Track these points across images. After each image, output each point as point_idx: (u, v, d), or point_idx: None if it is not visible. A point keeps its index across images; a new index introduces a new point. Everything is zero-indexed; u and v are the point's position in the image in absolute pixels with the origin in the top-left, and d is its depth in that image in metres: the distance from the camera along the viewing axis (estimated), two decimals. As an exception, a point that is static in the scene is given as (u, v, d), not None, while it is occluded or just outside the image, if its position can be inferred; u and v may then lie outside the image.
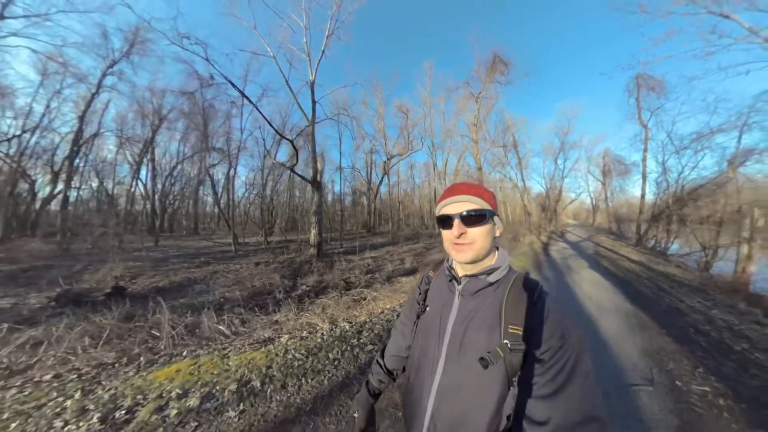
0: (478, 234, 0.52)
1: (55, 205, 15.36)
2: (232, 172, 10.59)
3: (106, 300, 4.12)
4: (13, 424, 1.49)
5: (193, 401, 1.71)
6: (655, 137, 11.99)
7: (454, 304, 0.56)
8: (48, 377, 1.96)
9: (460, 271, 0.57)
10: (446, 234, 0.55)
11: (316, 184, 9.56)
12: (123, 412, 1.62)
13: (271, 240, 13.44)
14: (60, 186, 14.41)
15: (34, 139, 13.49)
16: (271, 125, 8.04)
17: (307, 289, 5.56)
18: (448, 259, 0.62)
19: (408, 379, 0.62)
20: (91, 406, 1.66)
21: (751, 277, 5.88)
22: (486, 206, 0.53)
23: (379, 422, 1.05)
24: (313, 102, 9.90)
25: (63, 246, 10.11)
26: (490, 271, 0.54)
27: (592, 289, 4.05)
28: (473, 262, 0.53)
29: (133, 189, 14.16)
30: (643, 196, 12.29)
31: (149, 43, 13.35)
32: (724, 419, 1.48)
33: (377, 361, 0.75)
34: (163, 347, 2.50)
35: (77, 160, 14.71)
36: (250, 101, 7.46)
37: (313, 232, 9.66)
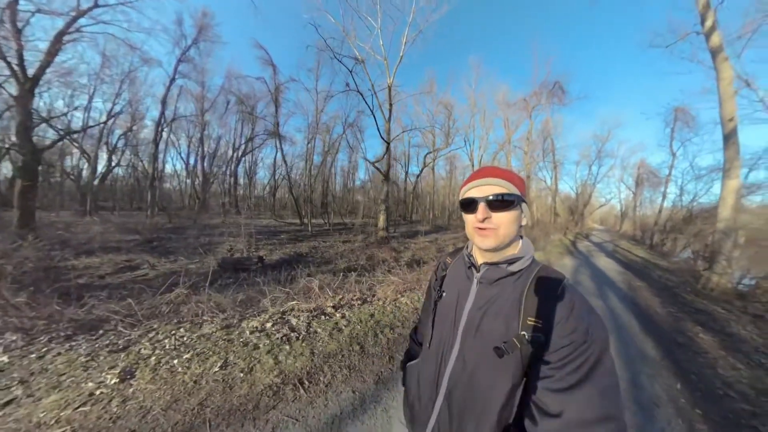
0: (503, 220, 0.56)
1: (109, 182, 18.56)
2: (303, 162, 13.78)
3: (257, 267, 6.12)
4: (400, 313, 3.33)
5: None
6: (678, 165, 15.81)
7: (471, 291, 0.62)
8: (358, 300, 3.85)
9: (480, 259, 0.63)
10: (469, 218, 0.59)
11: (388, 177, 13.01)
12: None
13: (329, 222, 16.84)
14: (94, 163, 17.44)
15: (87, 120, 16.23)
16: (378, 129, 11.32)
17: (409, 260, 8.79)
18: (467, 246, 0.69)
19: (421, 364, 0.71)
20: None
21: (731, 276, 9.69)
22: (515, 191, 0.57)
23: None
24: (390, 105, 13.08)
25: (152, 220, 13.55)
26: (512, 261, 0.58)
27: (605, 264, 7.90)
28: (496, 249, 0.58)
29: (192, 170, 17.37)
30: (660, 211, 16.14)
31: (213, 29, 16.15)
32: (643, 290, 5.22)
33: (411, 336, 0.92)
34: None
35: (115, 141, 17.73)
36: (372, 112, 10.73)
37: (382, 217, 13.22)
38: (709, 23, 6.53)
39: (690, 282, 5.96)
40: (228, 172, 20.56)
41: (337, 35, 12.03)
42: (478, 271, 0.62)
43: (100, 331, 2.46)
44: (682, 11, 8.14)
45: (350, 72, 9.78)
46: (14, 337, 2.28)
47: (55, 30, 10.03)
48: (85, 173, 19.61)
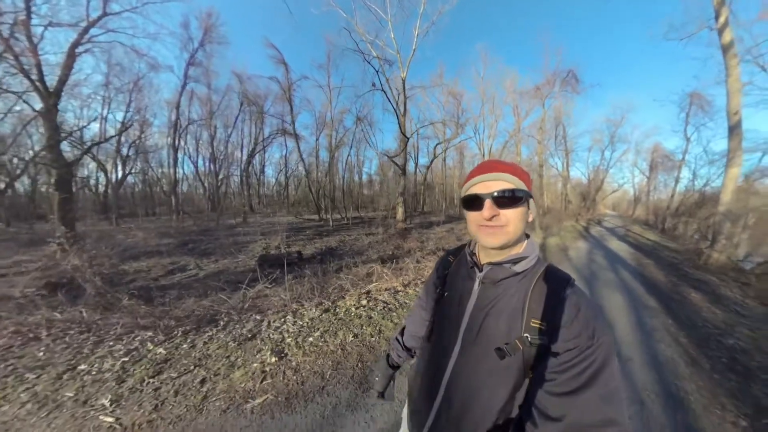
0: (511, 216, 0.55)
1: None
2: (309, 158, 14.59)
3: (297, 262, 6.73)
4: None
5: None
6: (692, 150, 16.57)
7: (474, 291, 0.63)
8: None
9: (483, 258, 0.64)
10: (474, 216, 0.58)
11: (405, 171, 13.90)
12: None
13: (344, 216, 17.82)
14: (116, 173, 18.28)
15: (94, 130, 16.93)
16: (399, 125, 12.16)
17: (434, 248, 9.86)
18: (470, 244, 0.70)
19: (422, 362, 0.74)
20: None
21: (734, 253, 10.66)
22: (522, 186, 0.56)
23: (397, 391, 1.47)
24: (405, 98, 13.81)
25: (179, 223, 14.61)
26: (516, 260, 0.59)
27: (617, 246, 8.92)
28: (504, 247, 0.58)
29: (207, 173, 18.25)
30: (672, 195, 17.02)
31: (218, 30, 16.67)
32: (650, 266, 6.23)
33: (396, 338, 0.94)
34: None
35: (126, 150, 18.49)
36: (394, 109, 11.55)
37: (400, 209, 14.18)
38: (722, 20, 7.19)
39: (693, 259, 6.94)
40: (239, 173, 21.53)
41: (345, 30, 12.67)
42: (480, 271, 0.63)
43: (220, 323, 2.83)
44: (696, 2, 8.74)
45: (377, 72, 10.55)
46: (149, 333, 2.58)
47: (66, 43, 10.58)
48: (97, 182, 20.75)
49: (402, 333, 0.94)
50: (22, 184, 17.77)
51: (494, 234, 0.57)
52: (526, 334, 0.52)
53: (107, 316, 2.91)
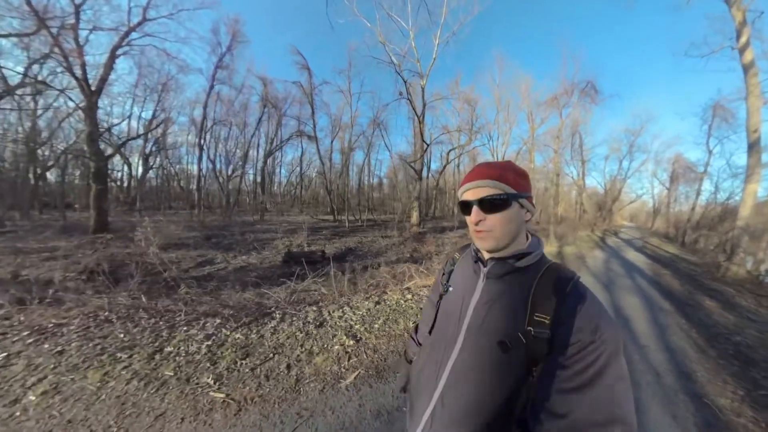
0: (497, 221, 0.59)
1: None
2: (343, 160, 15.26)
3: (321, 260, 7.02)
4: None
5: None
6: (714, 162, 16.59)
7: (478, 286, 0.65)
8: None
9: (487, 254, 0.66)
10: (468, 220, 0.64)
11: (421, 176, 14.44)
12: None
13: (356, 218, 18.42)
14: (138, 167, 19.36)
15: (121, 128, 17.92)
16: (421, 133, 12.75)
17: (451, 251, 10.39)
18: None
19: (422, 356, 0.76)
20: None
21: (755, 266, 10.75)
22: (508, 190, 0.59)
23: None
24: (424, 104, 14.41)
25: (203, 219, 15.44)
26: (519, 256, 0.61)
27: (634, 257, 9.21)
28: (495, 249, 0.62)
29: (231, 172, 19.21)
30: (693, 208, 17.03)
31: (245, 35, 17.75)
32: (667, 276, 6.56)
33: (411, 335, 0.98)
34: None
35: (150, 146, 19.61)
36: (417, 116, 12.17)
37: (415, 214, 14.69)
38: (743, 39, 7.51)
39: (711, 271, 7.21)
40: (253, 171, 22.49)
41: (370, 39, 13.38)
42: (485, 266, 0.66)
43: (277, 315, 2.93)
44: (718, 21, 9.07)
45: (405, 82, 11.18)
46: (217, 320, 2.68)
47: (107, 45, 11.55)
48: (122, 176, 22.06)
49: (416, 330, 0.98)
50: (53, 175, 19.13)
51: (483, 238, 0.62)
52: (529, 328, 0.53)
53: (167, 303, 3.07)
